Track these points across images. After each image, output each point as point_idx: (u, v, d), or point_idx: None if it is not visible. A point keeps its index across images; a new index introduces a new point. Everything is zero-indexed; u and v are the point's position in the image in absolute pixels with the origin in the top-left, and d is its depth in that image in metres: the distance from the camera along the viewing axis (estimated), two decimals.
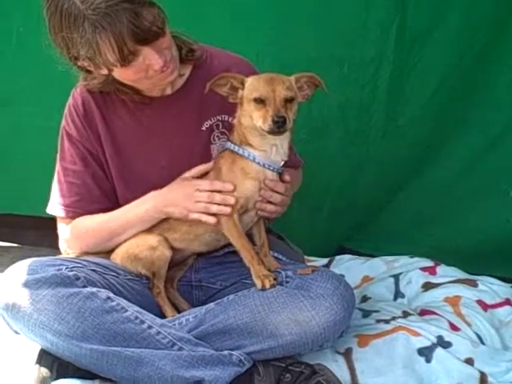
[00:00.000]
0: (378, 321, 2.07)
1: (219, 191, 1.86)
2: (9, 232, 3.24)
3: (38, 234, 3.09)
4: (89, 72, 1.90)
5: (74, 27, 1.72)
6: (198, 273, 2.08)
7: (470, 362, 1.90)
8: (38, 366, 1.80)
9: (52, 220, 2.11)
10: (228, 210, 1.84)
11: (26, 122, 2.95)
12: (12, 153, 3.04)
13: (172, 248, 1.95)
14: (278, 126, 1.74)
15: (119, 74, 1.84)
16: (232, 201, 1.84)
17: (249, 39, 2.66)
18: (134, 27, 1.69)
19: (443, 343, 1.93)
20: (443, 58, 2.65)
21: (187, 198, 1.88)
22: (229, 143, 1.91)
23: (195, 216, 1.88)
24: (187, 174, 1.94)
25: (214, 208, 1.85)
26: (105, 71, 1.83)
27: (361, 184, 2.84)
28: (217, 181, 1.88)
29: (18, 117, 2.96)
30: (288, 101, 1.77)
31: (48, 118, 2.64)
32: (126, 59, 1.75)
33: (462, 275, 2.41)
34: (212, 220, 1.86)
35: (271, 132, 1.76)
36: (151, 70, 1.82)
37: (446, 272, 2.43)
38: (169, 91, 2.02)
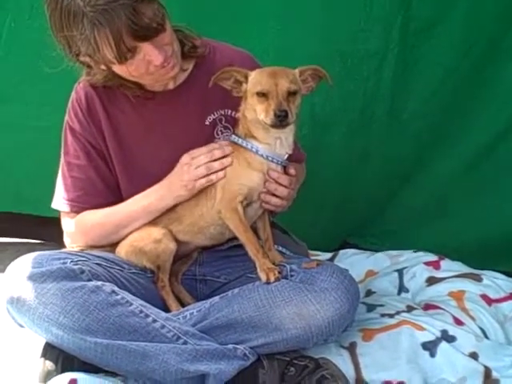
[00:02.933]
0: (383, 315, 2.07)
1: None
2: (9, 229, 3.23)
3: (39, 231, 3.10)
4: (91, 67, 1.90)
5: (74, 24, 1.72)
6: (202, 266, 2.08)
7: (474, 356, 1.90)
8: (43, 359, 1.81)
9: (55, 218, 2.11)
10: (230, 160, 1.86)
11: (18, 121, 2.87)
12: (6, 152, 2.98)
13: (176, 241, 1.95)
14: (280, 120, 1.74)
15: (120, 69, 1.84)
16: (230, 149, 1.86)
17: (254, 33, 2.64)
18: (132, 24, 1.69)
19: (447, 337, 1.93)
20: (448, 52, 2.63)
21: (187, 170, 1.89)
22: (233, 136, 1.91)
23: (202, 182, 1.88)
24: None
25: (216, 165, 1.86)
26: (104, 67, 1.84)
27: (364, 179, 2.83)
28: (211, 143, 1.90)
29: (10, 115, 2.88)
30: (291, 94, 1.77)
31: (40, 117, 2.63)
32: (123, 56, 1.74)
33: (466, 269, 2.40)
34: (221, 174, 1.87)
35: (273, 125, 1.76)
36: (152, 65, 1.81)
37: (449, 266, 2.42)
38: (171, 86, 2.01)
